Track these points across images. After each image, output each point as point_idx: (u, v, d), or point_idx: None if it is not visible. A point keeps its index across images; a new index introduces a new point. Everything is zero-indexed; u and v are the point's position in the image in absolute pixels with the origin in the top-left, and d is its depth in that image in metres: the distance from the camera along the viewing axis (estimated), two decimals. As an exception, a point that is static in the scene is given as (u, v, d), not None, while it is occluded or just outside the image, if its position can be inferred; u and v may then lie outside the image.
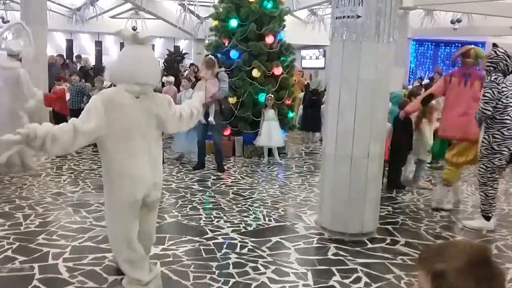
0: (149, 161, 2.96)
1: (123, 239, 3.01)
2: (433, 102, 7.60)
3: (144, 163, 2.93)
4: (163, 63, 14.67)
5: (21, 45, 6.65)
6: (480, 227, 4.87)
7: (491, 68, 4.65)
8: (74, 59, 15.58)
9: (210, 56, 7.51)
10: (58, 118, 9.53)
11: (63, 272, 3.50)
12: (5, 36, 6.84)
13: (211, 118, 6.97)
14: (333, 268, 3.77)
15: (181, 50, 15.87)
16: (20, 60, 6.68)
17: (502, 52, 4.65)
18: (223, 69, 7.38)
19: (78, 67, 14.26)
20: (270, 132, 7.84)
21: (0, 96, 6.42)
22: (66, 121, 8.48)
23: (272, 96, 8.08)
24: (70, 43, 19.82)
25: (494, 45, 4.84)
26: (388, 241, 4.44)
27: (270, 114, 7.94)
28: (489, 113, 4.55)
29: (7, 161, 4.51)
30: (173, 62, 14.25)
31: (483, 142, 4.72)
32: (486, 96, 4.56)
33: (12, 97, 6.44)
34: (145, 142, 2.94)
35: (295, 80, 12.35)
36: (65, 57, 15.40)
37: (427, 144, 6.55)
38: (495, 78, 4.58)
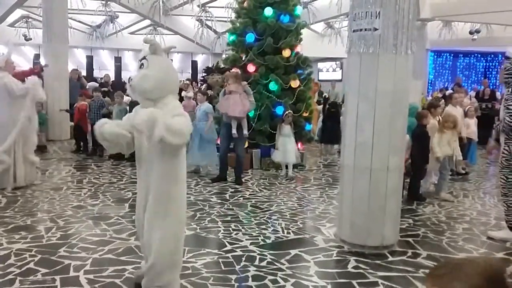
0: None
1: (180, 238, 3.35)
2: (451, 111, 7.49)
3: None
4: (202, 77, 15.11)
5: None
6: (505, 238, 4.80)
7: (510, 80, 4.66)
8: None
9: (236, 70, 7.68)
10: (79, 132, 9.72)
11: (84, 284, 3.54)
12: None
13: (246, 132, 7.18)
14: (354, 282, 3.72)
15: (213, 66, 16.10)
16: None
17: None
18: (245, 82, 7.47)
19: (98, 83, 14.54)
20: (286, 148, 7.73)
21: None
22: (86, 135, 8.32)
23: (292, 112, 7.97)
24: (90, 59, 20.23)
25: (507, 58, 4.90)
26: (409, 254, 4.37)
27: (286, 130, 7.79)
28: None
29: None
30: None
31: (503, 153, 4.74)
32: (510, 109, 4.58)
33: (7, 106, 6.33)
34: None
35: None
36: (85, 73, 15.71)
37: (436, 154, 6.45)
38: None
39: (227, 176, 7.38)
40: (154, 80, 3.00)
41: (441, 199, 6.41)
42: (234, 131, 7.10)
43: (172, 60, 21.01)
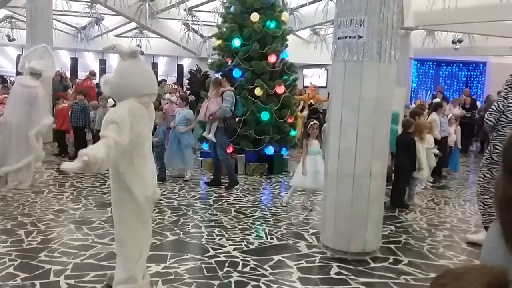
0: (151, 163, 3.24)
1: (145, 239, 3.24)
2: (424, 120, 7.64)
3: (150, 165, 3.20)
4: (187, 79, 14.84)
5: (43, 65, 6.72)
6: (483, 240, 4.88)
7: (509, 89, 4.89)
8: (88, 75, 15.64)
9: (219, 75, 7.72)
10: (59, 135, 9.60)
11: (64, 289, 3.49)
12: (29, 58, 6.87)
13: (210, 135, 7.15)
14: (336, 288, 3.75)
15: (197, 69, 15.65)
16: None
17: None
18: (229, 88, 7.38)
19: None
20: (316, 171, 5.93)
21: (19, 114, 6.42)
22: (65, 139, 8.14)
23: (317, 123, 6.44)
24: (74, 61, 20.03)
25: None
26: (391, 260, 4.41)
27: (314, 146, 6.11)
28: (491, 123, 4.78)
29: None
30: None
31: (485, 153, 4.98)
32: (491, 108, 4.85)
33: (28, 115, 6.42)
34: (148, 147, 3.21)
35: (307, 95, 12.52)
36: (68, 74, 15.48)
37: (420, 162, 6.54)
38: (505, 94, 4.83)
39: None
40: (111, 84, 3.12)
41: (414, 205, 6.52)
42: (205, 133, 7.33)
43: (157, 63, 20.96)
